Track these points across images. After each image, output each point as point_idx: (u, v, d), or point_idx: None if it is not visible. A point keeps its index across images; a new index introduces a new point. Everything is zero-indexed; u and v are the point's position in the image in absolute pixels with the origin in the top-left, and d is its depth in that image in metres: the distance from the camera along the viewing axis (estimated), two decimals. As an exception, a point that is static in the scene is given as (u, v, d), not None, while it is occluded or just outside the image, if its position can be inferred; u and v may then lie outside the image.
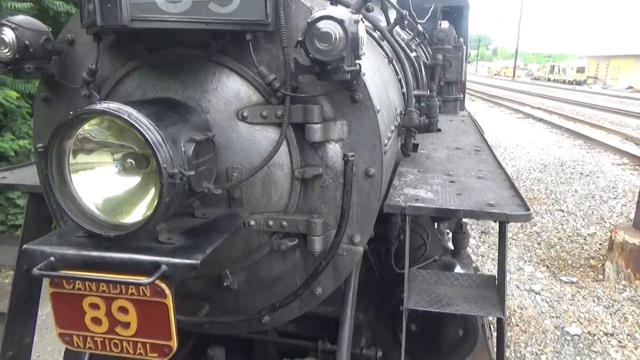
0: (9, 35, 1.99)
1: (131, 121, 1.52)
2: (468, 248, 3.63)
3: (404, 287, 2.20)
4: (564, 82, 51.38)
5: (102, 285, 1.59)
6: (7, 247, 2.85)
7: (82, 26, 1.90)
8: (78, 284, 1.60)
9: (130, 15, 1.62)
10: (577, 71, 51.07)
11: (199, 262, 1.55)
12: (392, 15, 3.83)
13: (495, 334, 2.70)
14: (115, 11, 1.59)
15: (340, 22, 1.64)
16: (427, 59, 5.95)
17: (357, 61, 1.76)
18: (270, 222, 2.09)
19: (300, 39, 1.68)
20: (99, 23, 1.62)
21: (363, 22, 1.75)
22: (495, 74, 78.57)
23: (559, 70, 55.30)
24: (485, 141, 4.10)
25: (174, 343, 1.61)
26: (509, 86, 46.90)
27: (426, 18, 6.73)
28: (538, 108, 26.75)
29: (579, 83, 49.20)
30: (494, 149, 3.82)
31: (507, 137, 18.12)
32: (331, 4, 3.21)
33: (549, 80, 56.52)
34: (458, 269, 3.03)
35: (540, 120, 22.60)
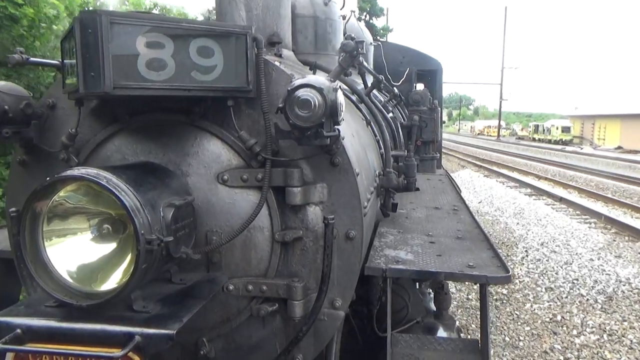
0: None
1: (109, 187, 1.51)
2: (450, 308, 3.58)
3: (386, 353, 2.14)
4: (549, 141, 50.45)
5: (71, 359, 1.51)
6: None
7: (63, 92, 1.92)
8: (45, 358, 1.52)
9: (113, 82, 1.64)
10: (563, 131, 49.91)
11: (174, 332, 1.50)
12: (370, 78, 3.97)
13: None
14: (98, 79, 1.62)
15: (320, 90, 1.70)
16: (404, 120, 6.13)
17: (336, 127, 1.80)
18: (250, 287, 2.04)
19: (280, 105, 1.73)
20: (82, 90, 1.64)
21: (341, 89, 1.81)
22: (478, 134, 77.20)
23: (544, 130, 54.35)
24: (463, 200, 4.17)
25: (147, 421, 1.51)
26: (497, 147, 43.26)
27: (401, 81, 7.01)
28: (545, 178, 20.35)
29: (565, 143, 47.86)
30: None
31: (531, 233, 10.99)
32: (310, 69, 3.34)
33: (533, 139, 55.53)
34: (441, 332, 2.98)
35: (561, 200, 15.07)
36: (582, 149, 41.71)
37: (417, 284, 3.72)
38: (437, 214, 3.54)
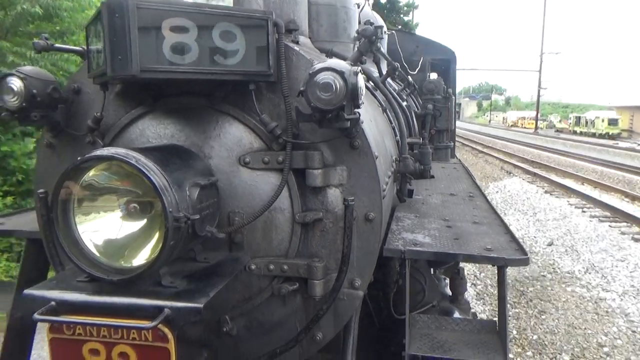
0: (17, 84, 2.06)
1: (139, 166, 1.56)
2: (466, 294, 3.61)
3: (405, 333, 2.19)
4: (593, 135, 44.27)
5: (104, 330, 1.58)
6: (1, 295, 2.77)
7: (89, 76, 1.98)
8: (78, 329, 1.59)
9: (140, 66, 1.69)
10: (609, 123, 43.72)
11: (202, 306, 1.55)
12: (384, 66, 3.99)
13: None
14: (125, 62, 1.67)
15: (341, 74, 1.73)
16: (418, 109, 6.14)
17: (356, 110, 1.83)
18: (271, 266, 2.09)
19: (302, 88, 1.76)
20: (110, 73, 1.69)
21: (362, 73, 1.84)
22: (511, 125, 69.55)
23: (586, 122, 48.17)
24: (478, 187, 4.18)
25: (175, 390, 1.58)
26: (539, 142, 36.18)
27: (416, 70, 7.00)
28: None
29: (612, 137, 41.27)
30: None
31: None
32: (327, 56, 3.36)
33: (574, 132, 49.76)
34: (457, 315, 3.01)
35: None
36: (640, 145, 34.22)
37: (433, 269, 3.76)
38: (453, 200, 3.56)
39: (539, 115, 59.14)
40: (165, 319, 1.52)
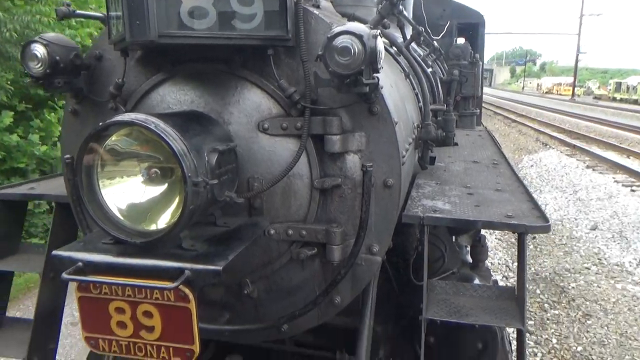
0: (40, 51, 2.09)
1: (158, 131, 1.58)
2: (487, 261, 3.60)
3: (422, 298, 2.21)
4: (634, 102, 42.33)
5: (128, 290, 1.64)
6: (34, 255, 2.92)
7: (110, 42, 1.99)
8: (105, 288, 1.65)
9: (158, 31, 1.70)
10: None
11: (221, 268, 1.59)
12: (409, 31, 3.89)
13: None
14: (143, 27, 1.67)
15: (359, 37, 1.70)
16: (443, 75, 6.00)
17: (375, 74, 1.80)
18: (290, 231, 2.12)
19: (320, 53, 1.74)
20: (128, 38, 1.70)
21: (381, 37, 1.80)
22: (546, 92, 66.02)
23: (628, 89, 45.89)
24: (503, 155, 4.10)
25: (197, 347, 1.64)
26: (575, 110, 33.21)
27: (442, 34, 6.80)
28: None
29: None
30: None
31: None
32: (348, 20, 3.29)
33: (613, 99, 47.02)
34: (477, 282, 3.02)
35: None
36: None
37: (454, 237, 3.75)
38: (475, 168, 3.51)
39: (576, 82, 55.66)
40: (186, 280, 1.56)
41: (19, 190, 2.94)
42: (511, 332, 3.57)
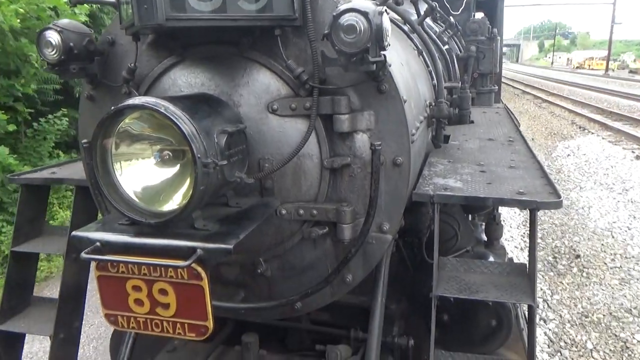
0: (55, 37, 2.13)
1: (167, 114, 1.62)
2: (502, 239, 3.59)
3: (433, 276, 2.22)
4: None
5: (144, 269, 1.70)
6: (57, 237, 3.03)
7: (121, 27, 2.02)
8: (122, 267, 1.72)
9: (165, 14, 1.72)
10: None
11: (232, 246, 1.63)
12: (423, 8, 3.83)
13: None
14: (151, 11, 1.70)
15: (365, 14, 1.69)
16: (461, 51, 5.89)
17: (382, 52, 1.80)
18: (301, 211, 2.15)
19: (326, 31, 1.74)
20: (137, 23, 1.73)
21: (387, 13, 1.79)
22: (577, 67, 61.02)
23: None
24: (520, 132, 4.04)
25: (210, 323, 1.70)
26: (610, 87, 29.18)
27: (460, 10, 6.65)
28: None
29: None
30: None
31: None
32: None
33: None
34: (491, 260, 3.01)
35: None
36: None
37: (470, 216, 3.74)
38: (490, 145, 3.47)
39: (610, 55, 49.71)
40: (198, 259, 1.61)
41: (41, 175, 3.04)
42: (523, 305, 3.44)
